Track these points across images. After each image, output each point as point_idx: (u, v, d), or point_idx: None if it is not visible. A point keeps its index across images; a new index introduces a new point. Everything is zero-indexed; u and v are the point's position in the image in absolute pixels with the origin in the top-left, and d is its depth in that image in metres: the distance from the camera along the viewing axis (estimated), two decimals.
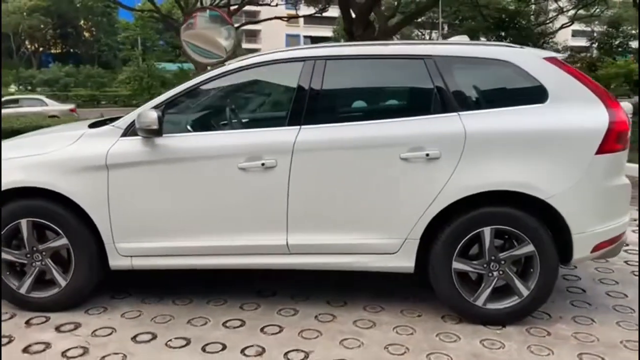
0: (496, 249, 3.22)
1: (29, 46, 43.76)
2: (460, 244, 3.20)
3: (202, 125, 3.44)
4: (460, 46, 3.51)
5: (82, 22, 49.01)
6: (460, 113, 3.19)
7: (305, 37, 64.92)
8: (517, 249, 3.21)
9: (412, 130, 3.19)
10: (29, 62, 39.92)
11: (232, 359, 2.91)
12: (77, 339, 3.10)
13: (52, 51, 49.40)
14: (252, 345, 3.03)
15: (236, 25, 35.45)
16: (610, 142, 3.13)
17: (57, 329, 3.22)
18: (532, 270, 3.22)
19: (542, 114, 3.18)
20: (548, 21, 26.52)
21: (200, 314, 3.41)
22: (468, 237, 3.19)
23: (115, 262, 3.39)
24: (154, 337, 3.13)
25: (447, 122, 3.18)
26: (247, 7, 37.87)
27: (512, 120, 3.18)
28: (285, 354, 2.94)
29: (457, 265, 3.22)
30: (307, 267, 3.37)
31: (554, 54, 3.42)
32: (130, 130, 3.29)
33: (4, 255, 3.35)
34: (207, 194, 3.28)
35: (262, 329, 3.22)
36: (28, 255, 3.38)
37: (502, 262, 3.22)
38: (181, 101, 3.39)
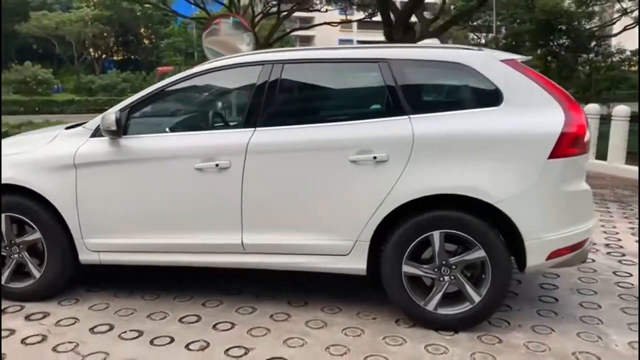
0: (447, 254, 3.19)
1: (92, 53, 45.91)
2: (410, 248, 3.18)
3: (164, 126, 3.58)
4: (415, 49, 3.50)
5: (142, 30, 50.94)
6: (411, 116, 3.18)
7: (358, 41, 65.01)
8: (467, 254, 3.16)
9: (361, 133, 3.21)
10: (91, 69, 41.96)
11: (175, 353, 3.01)
12: (41, 327, 3.29)
13: (114, 58, 51.64)
14: (198, 341, 3.12)
15: (288, 30, 35.72)
16: (564, 147, 3.04)
17: (27, 317, 3.43)
18: (483, 276, 3.17)
19: (494, 117, 3.13)
20: (609, 23, 25.39)
21: (163, 309, 3.54)
22: (417, 240, 3.17)
23: (85, 256, 3.57)
24: (111, 328, 3.29)
25: (397, 126, 3.18)
26: (302, 14, 38.44)
27: (463, 123, 3.14)
28: (227, 350, 3.02)
29: (407, 268, 3.21)
30: (262, 267, 3.44)
31: (514, 57, 3.35)
32: (98, 132, 3.47)
33: None
34: (166, 194, 3.41)
35: (215, 325, 3.32)
36: (7, 248, 3.62)
37: (453, 267, 3.18)
38: (147, 104, 3.54)
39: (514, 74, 3.19)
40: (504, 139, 3.10)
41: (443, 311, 3.23)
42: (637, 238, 5.14)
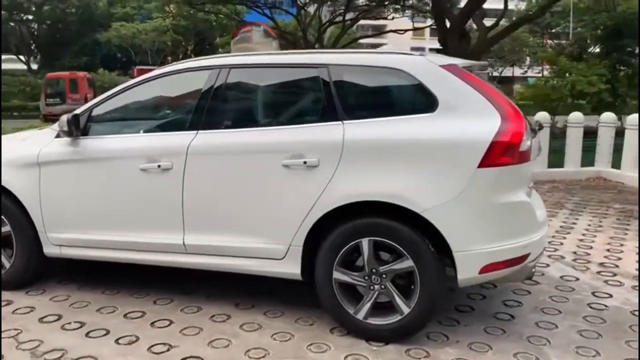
0: (378, 262, 3.12)
1: (169, 61, 48.05)
2: (340, 254, 3.14)
3: (118, 128, 3.73)
4: (354, 55, 3.45)
5: (217, 39, 52.78)
6: (345, 122, 3.15)
7: (430, 49, 64.40)
8: (396, 263, 3.08)
9: (294, 138, 3.21)
10: None
11: (103, 344, 3.13)
12: None
13: None
14: (130, 335, 3.23)
15: (356, 37, 35.72)
16: (495, 155, 2.90)
17: None
18: (412, 287, 3.07)
19: (426, 124, 3.04)
20: None
21: (115, 304, 3.69)
22: (347, 247, 3.13)
23: (48, 249, 3.79)
24: (58, 318, 3.47)
25: (329, 131, 3.16)
26: (375, 22, 38.45)
27: (393, 130, 3.07)
28: (152, 346, 3.11)
29: (337, 275, 3.17)
30: (202, 267, 3.51)
31: (455, 61, 3.24)
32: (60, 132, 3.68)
33: None
34: (114, 193, 3.56)
35: (153, 322, 3.42)
36: None
37: (383, 276, 3.10)
38: (104, 107, 3.71)
39: (451, 80, 3.08)
40: (433, 147, 2.99)
41: (373, 321, 3.15)
42: (637, 258, 4.77)
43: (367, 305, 3.15)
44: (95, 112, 3.69)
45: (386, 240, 3.05)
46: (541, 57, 29.29)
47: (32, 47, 45.36)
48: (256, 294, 3.80)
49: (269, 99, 3.62)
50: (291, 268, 3.28)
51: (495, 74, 43.97)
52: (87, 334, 3.26)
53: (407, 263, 3.03)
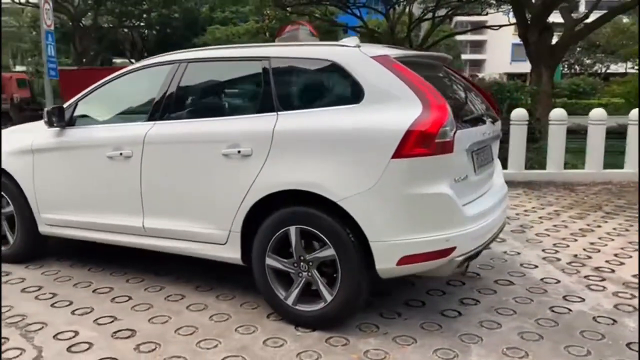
0: (306, 250, 3.18)
1: None
2: (272, 241, 3.23)
3: (95, 119, 4.06)
4: (294, 47, 3.51)
5: None
6: (279, 113, 3.25)
7: (514, 44, 61.22)
8: (319, 251, 3.12)
9: (232, 128, 3.36)
10: None
11: (60, 314, 3.46)
12: None
13: None
14: (87, 307, 3.54)
15: (452, 33, 34.79)
16: (409, 146, 2.86)
17: None
18: (335, 275, 3.10)
19: (349, 115, 3.06)
20: None
21: (91, 280, 4.04)
22: (277, 234, 3.21)
23: (42, 228, 4.23)
24: (38, 289, 3.87)
25: (263, 122, 3.26)
26: (473, 18, 37.38)
27: (317, 121, 3.12)
28: (99, 318, 3.39)
29: (269, 261, 3.27)
30: (159, 250, 3.75)
31: (388, 52, 3.20)
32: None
33: None
34: (87, 177, 3.91)
35: (114, 298, 3.71)
36: None
37: (310, 263, 3.16)
38: (87, 100, 4.07)
39: (380, 71, 3.07)
40: (351, 137, 3.01)
41: (301, 307, 3.22)
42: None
43: (296, 292, 3.22)
44: (81, 104, 4.06)
45: (311, 229, 3.11)
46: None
47: (143, 51, 48.75)
48: (221, 278, 3.98)
49: (216, 91, 3.80)
50: (232, 253, 3.42)
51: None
52: (52, 304, 3.61)
53: (329, 252, 3.07)
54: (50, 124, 3.96)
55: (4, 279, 4.10)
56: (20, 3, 35.86)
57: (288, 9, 27.58)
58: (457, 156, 3.00)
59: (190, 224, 3.53)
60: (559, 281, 4.02)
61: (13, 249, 4.38)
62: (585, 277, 4.12)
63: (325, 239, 3.07)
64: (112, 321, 3.35)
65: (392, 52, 3.26)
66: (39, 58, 44.90)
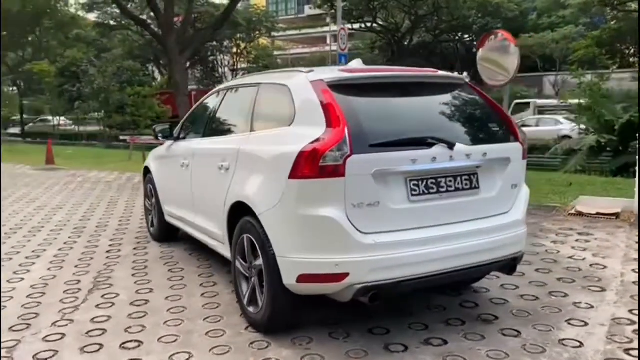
0: (255, 257, 3.51)
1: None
2: (237, 245, 3.66)
3: (186, 135, 5.04)
4: (273, 74, 3.77)
5: None
6: (251, 133, 3.68)
7: None
8: (256, 260, 3.43)
9: (224, 146, 3.92)
10: None
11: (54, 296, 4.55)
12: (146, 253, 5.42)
13: None
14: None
15: None
16: (299, 168, 2.97)
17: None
18: (263, 283, 3.36)
19: (277, 136, 3.30)
20: None
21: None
22: (239, 240, 3.62)
23: (166, 218, 5.49)
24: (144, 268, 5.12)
25: (238, 141, 3.74)
26: None
27: (260, 140, 3.45)
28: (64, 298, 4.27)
29: (237, 263, 3.71)
30: (202, 242, 4.53)
31: (326, 77, 3.25)
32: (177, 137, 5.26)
33: None
34: (175, 181, 4.96)
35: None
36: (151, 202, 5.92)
37: (253, 269, 3.50)
38: (191, 117, 5.11)
39: (310, 95, 3.21)
40: (271, 157, 3.24)
41: (250, 308, 3.57)
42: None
43: (247, 294, 3.58)
44: (188, 121, 5.14)
45: (252, 239, 3.44)
46: None
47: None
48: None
49: (228, 113, 4.35)
50: (227, 252, 3.97)
51: None
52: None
53: (260, 261, 3.36)
54: (155, 137, 5.17)
55: (142, 250, 5.50)
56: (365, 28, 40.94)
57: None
58: (353, 180, 2.92)
59: (209, 223, 4.22)
60: (517, 286, 3.27)
61: (153, 231, 5.81)
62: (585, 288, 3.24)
63: (258, 249, 3.37)
64: (75, 310, 4.30)
65: (337, 75, 3.30)
66: None
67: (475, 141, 3.29)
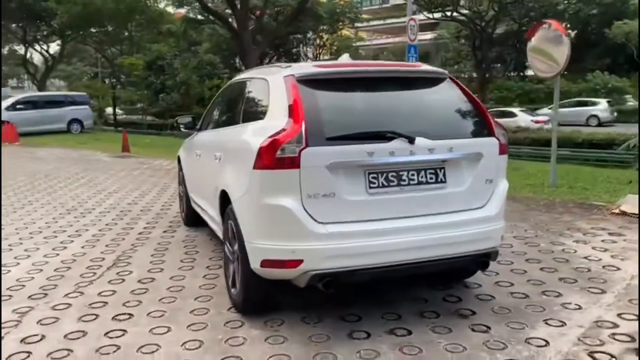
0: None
1: None
2: (226, 231, 3.90)
3: (209, 125, 5.30)
4: (259, 69, 3.92)
5: None
6: (243, 124, 3.88)
7: None
8: (234, 244, 3.64)
9: (220, 138, 4.17)
10: None
11: (77, 271, 4.95)
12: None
13: None
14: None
15: None
16: (260, 159, 3.15)
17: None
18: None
19: (253, 129, 3.49)
20: None
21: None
22: (226, 225, 3.85)
23: (191, 203, 5.85)
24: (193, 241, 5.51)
25: (229, 133, 3.97)
26: None
27: (241, 132, 3.65)
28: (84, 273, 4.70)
29: (225, 248, 3.95)
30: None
31: (295, 73, 3.38)
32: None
33: None
34: (194, 170, 5.28)
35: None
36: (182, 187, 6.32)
37: (235, 254, 3.71)
38: (209, 109, 5.40)
39: (281, 89, 3.36)
40: (242, 148, 3.43)
41: (232, 290, 3.80)
42: None
43: (231, 276, 3.81)
44: (207, 113, 5.44)
45: (232, 224, 3.66)
46: None
47: None
48: None
49: (228, 106, 4.55)
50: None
51: None
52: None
53: (235, 246, 3.58)
54: (177, 128, 5.52)
55: (170, 234, 5.91)
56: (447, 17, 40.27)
57: None
58: (308, 172, 3.05)
59: (211, 211, 4.48)
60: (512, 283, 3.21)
61: (184, 216, 6.20)
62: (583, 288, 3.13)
63: (236, 234, 3.59)
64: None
65: (308, 70, 3.42)
66: (460, 66, 49.36)
67: (441, 136, 3.30)
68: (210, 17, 30.26)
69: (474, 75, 41.03)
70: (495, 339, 3.25)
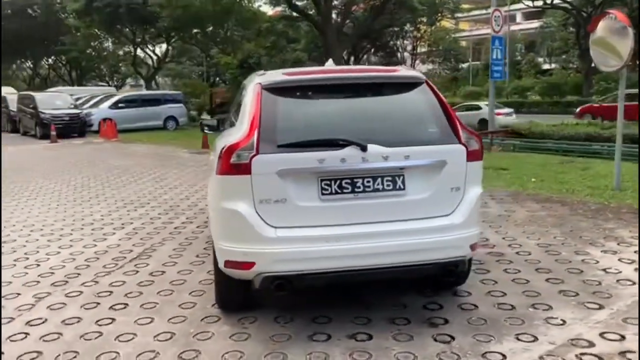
0: None
1: None
2: None
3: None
4: (253, 75, 4.02)
5: None
6: (229, 129, 4.08)
7: None
8: None
9: (218, 141, 4.36)
10: None
11: (103, 261, 5.32)
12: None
13: None
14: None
15: None
16: (221, 165, 3.31)
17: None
18: None
19: (226, 134, 3.68)
20: None
21: None
22: None
23: None
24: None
25: (220, 137, 4.16)
26: None
27: (221, 137, 3.83)
28: (108, 264, 5.06)
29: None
30: None
31: (262, 81, 3.49)
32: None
33: None
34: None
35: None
36: None
37: None
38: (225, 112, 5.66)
39: (250, 97, 3.50)
40: (214, 153, 3.60)
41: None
42: None
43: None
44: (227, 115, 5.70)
45: None
46: None
47: None
48: None
49: (232, 109, 4.69)
50: None
51: None
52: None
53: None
54: (202, 130, 5.80)
55: (202, 229, 6.26)
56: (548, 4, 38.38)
57: None
58: (259, 178, 3.16)
59: None
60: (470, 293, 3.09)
61: None
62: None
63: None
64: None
65: (273, 78, 3.53)
66: (568, 56, 46.49)
67: (398, 143, 3.26)
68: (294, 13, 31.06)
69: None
70: (452, 351, 3.19)
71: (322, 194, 3.22)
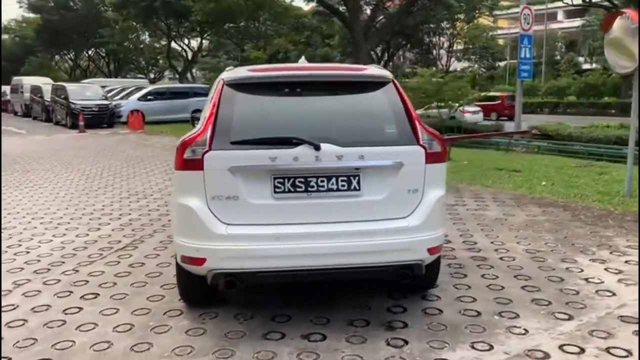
0: None
1: None
2: None
3: None
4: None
5: None
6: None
7: None
8: None
9: None
10: None
11: (90, 251, 5.39)
12: None
13: None
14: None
15: None
16: (177, 160, 3.33)
17: None
18: None
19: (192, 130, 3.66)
20: None
21: None
22: None
23: None
24: None
25: None
26: None
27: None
28: (93, 254, 5.13)
29: None
30: None
31: (225, 77, 3.48)
32: None
33: None
34: None
35: None
36: None
37: None
38: None
39: (214, 92, 3.51)
40: None
41: None
42: None
43: None
44: None
45: None
46: None
47: None
48: None
49: None
50: None
51: None
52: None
53: None
54: (192, 123, 5.83)
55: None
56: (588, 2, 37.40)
57: None
58: (211, 174, 3.16)
59: None
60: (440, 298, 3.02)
61: None
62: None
63: None
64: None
65: (235, 75, 3.51)
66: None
67: (354, 143, 3.21)
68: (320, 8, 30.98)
69: None
70: (401, 356, 3.13)
71: (275, 192, 3.19)
